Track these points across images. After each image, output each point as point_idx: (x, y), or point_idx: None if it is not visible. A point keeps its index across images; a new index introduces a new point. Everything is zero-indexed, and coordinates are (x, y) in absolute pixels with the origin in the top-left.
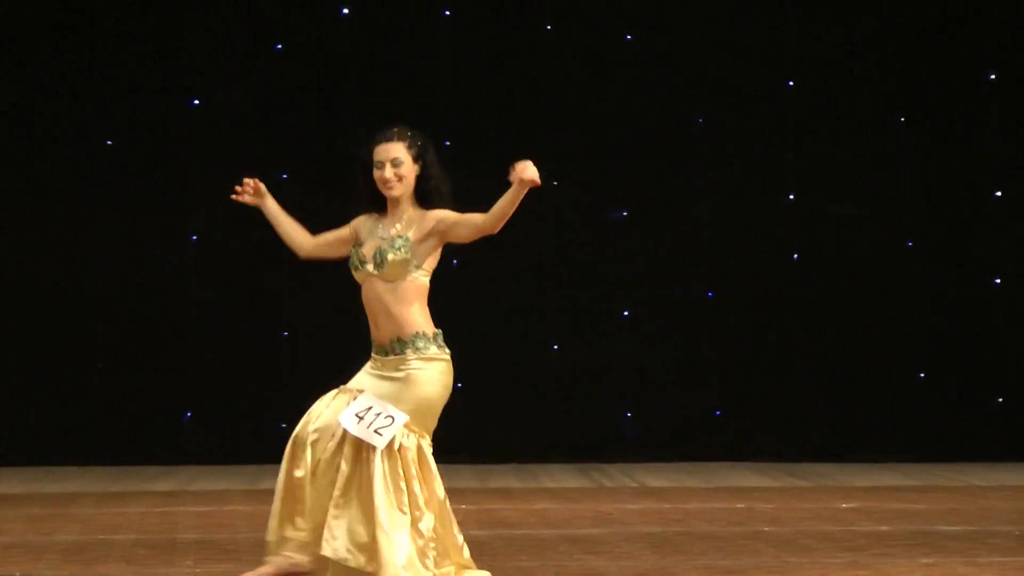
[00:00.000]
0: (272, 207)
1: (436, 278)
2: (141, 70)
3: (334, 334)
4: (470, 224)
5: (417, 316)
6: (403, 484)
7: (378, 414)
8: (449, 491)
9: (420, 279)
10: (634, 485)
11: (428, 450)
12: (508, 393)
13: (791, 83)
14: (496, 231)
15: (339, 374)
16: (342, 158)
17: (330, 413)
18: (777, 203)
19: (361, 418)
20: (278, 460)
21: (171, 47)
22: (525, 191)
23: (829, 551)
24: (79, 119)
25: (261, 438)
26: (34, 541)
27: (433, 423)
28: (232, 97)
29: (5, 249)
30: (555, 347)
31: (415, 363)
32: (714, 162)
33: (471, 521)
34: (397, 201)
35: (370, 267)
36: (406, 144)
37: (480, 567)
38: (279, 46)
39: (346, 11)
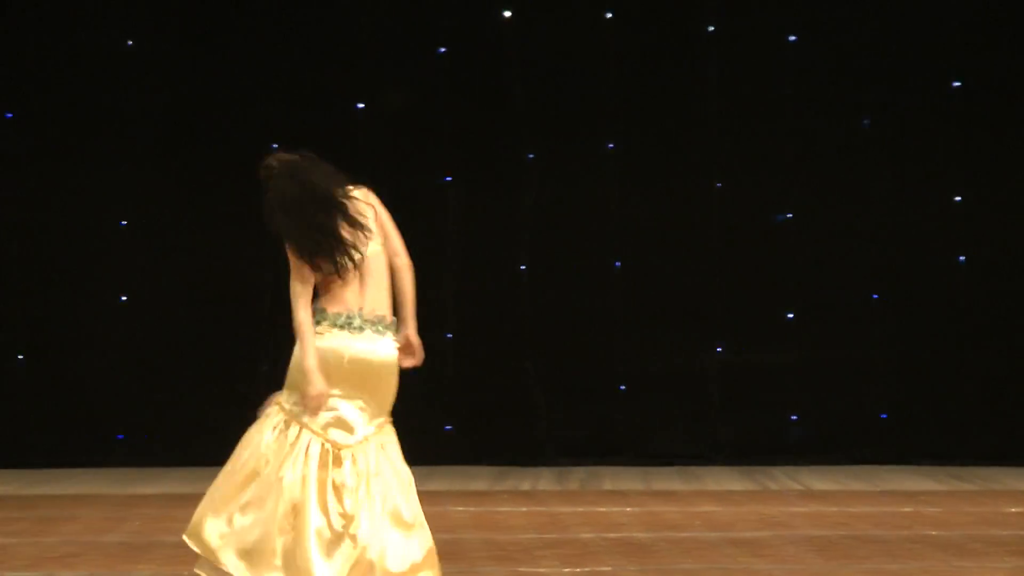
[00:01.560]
0: None
1: (600, 280)
2: (305, 74)
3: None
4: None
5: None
6: None
7: None
8: (613, 493)
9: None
10: (799, 488)
11: None
12: (673, 395)
13: (957, 83)
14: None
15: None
16: (505, 160)
17: None
18: (943, 204)
19: None
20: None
21: (335, 51)
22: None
23: (997, 555)
24: (244, 123)
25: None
26: None
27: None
28: (395, 100)
29: (176, 251)
30: (719, 350)
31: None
32: (880, 163)
33: (635, 523)
34: None
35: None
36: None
37: (644, 570)
38: (442, 49)
39: (508, 13)
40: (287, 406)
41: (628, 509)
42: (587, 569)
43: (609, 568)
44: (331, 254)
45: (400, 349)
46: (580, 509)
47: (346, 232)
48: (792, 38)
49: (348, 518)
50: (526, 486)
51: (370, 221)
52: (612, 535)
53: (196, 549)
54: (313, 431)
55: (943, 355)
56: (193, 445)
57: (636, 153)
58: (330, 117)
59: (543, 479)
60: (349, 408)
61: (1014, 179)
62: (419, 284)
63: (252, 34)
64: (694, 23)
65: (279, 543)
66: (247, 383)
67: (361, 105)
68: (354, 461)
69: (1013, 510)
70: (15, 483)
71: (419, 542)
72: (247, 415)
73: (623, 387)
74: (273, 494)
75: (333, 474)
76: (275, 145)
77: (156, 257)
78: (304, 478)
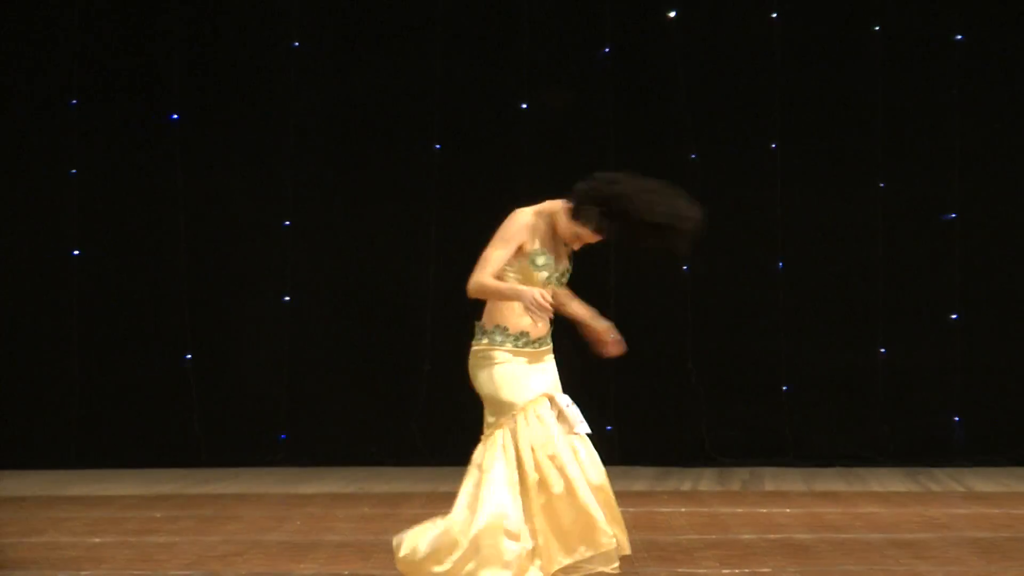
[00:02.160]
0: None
1: (763, 280)
2: (470, 74)
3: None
4: None
5: (498, 312)
6: None
7: (568, 404)
8: (775, 494)
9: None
10: (962, 490)
11: None
12: (835, 395)
13: None
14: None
15: None
16: (668, 161)
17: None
18: None
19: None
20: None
21: (499, 51)
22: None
23: None
24: (409, 124)
25: None
26: (365, 541)
27: None
28: (559, 101)
29: (339, 251)
30: (882, 350)
31: (473, 357)
32: None
33: (797, 524)
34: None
35: (562, 279)
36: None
37: (805, 571)
38: (607, 49)
39: (672, 13)
40: (491, 419)
41: (789, 510)
42: (747, 570)
43: (769, 569)
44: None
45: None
46: (741, 510)
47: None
48: (958, 37)
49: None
50: (687, 486)
51: None
52: (773, 536)
53: None
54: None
55: None
56: (355, 445)
57: (799, 153)
58: (495, 117)
59: (704, 479)
60: None
61: None
62: (583, 285)
63: (416, 34)
64: (859, 22)
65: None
66: (409, 383)
67: (525, 106)
68: None
69: None
70: (180, 482)
71: None
72: (409, 415)
73: (786, 387)
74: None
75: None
76: (438, 146)
77: (319, 257)
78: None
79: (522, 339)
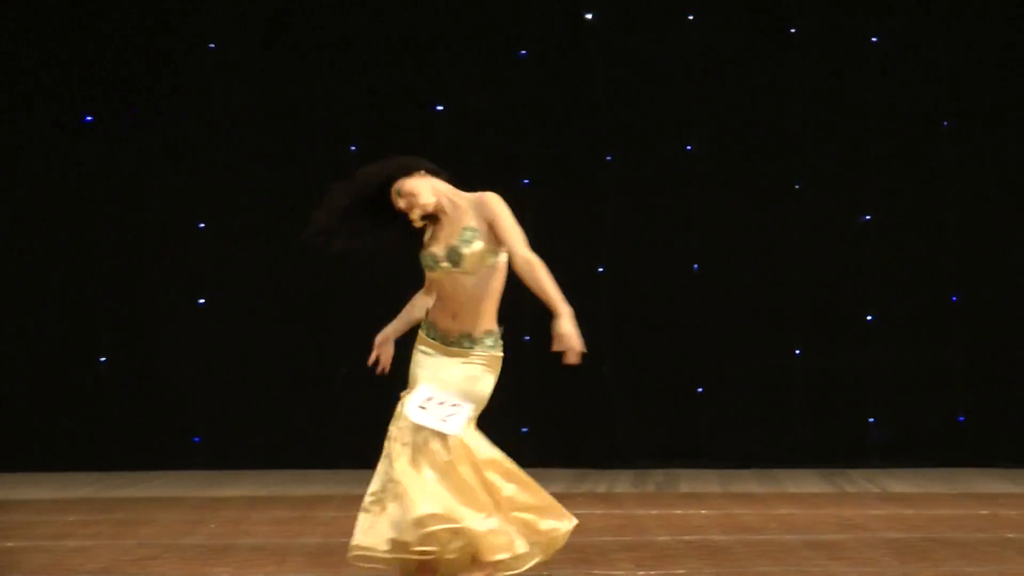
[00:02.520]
0: (398, 331)
1: (679, 282)
2: (386, 75)
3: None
4: (505, 241)
5: (491, 312)
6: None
7: (441, 403)
8: (690, 496)
9: (499, 260)
10: (877, 491)
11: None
12: (751, 397)
13: None
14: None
15: None
16: (584, 163)
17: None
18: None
19: (424, 408)
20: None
21: (416, 53)
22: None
23: None
24: (324, 126)
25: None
26: (280, 544)
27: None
28: (477, 103)
29: (254, 254)
30: (797, 351)
31: (479, 362)
32: (959, 165)
33: (712, 526)
34: (437, 210)
35: (446, 264)
36: (407, 175)
37: (721, 573)
38: (523, 52)
39: (589, 16)
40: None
41: (705, 512)
42: (663, 572)
43: (685, 571)
44: None
45: None
46: (657, 512)
47: None
48: (874, 39)
49: None
50: (602, 488)
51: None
52: (689, 538)
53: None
54: None
55: (1023, 356)
56: (271, 448)
57: (715, 155)
58: (410, 119)
59: (620, 481)
60: None
61: None
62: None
63: (332, 36)
64: (775, 25)
65: None
66: (325, 386)
67: (441, 108)
68: None
69: None
70: (94, 485)
71: None
72: (325, 418)
73: (701, 389)
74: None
75: None
76: (354, 148)
77: (235, 259)
78: None
79: (432, 329)
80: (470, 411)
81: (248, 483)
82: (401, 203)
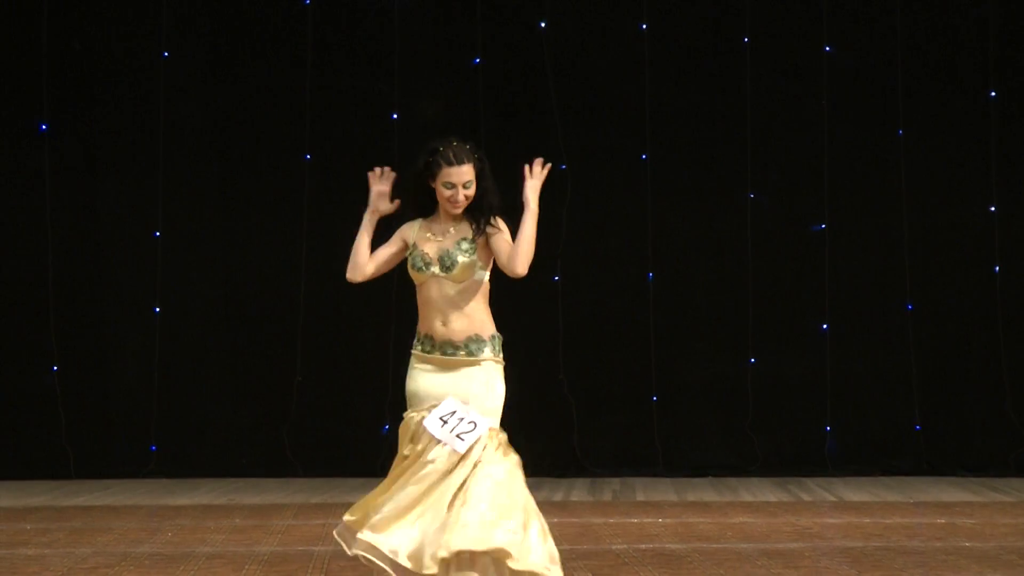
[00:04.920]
0: (379, 214)
1: (633, 291)
2: (340, 83)
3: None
4: (500, 251)
5: (488, 317)
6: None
7: (461, 419)
8: (646, 504)
9: (485, 278)
10: (833, 499)
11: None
12: (706, 406)
13: (993, 93)
14: (520, 272)
15: None
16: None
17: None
18: (978, 215)
19: (445, 422)
20: None
21: (370, 61)
22: (535, 212)
23: None
24: (279, 134)
25: None
26: (236, 552)
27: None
28: (430, 111)
29: (210, 262)
30: (752, 360)
31: (491, 364)
32: (914, 173)
33: (669, 534)
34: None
35: (436, 269)
36: (474, 165)
37: None
38: (476, 60)
39: (543, 25)
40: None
41: (661, 520)
42: None
43: None
44: None
45: None
46: (613, 520)
47: None
48: (827, 48)
49: None
50: (558, 497)
51: None
52: (645, 546)
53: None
54: None
55: (978, 366)
56: (226, 456)
57: (669, 164)
58: (365, 127)
59: (575, 490)
60: None
61: None
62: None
63: (286, 44)
64: (729, 33)
65: None
66: (280, 395)
67: (395, 116)
68: None
69: None
70: (50, 494)
71: None
72: (280, 427)
73: (656, 398)
74: None
75: None
76: (308, 156)
77: (189, 268)
78: None
79: (427, 343)
80: (485, 429)
81: (204, 491)
82: (457, 192)
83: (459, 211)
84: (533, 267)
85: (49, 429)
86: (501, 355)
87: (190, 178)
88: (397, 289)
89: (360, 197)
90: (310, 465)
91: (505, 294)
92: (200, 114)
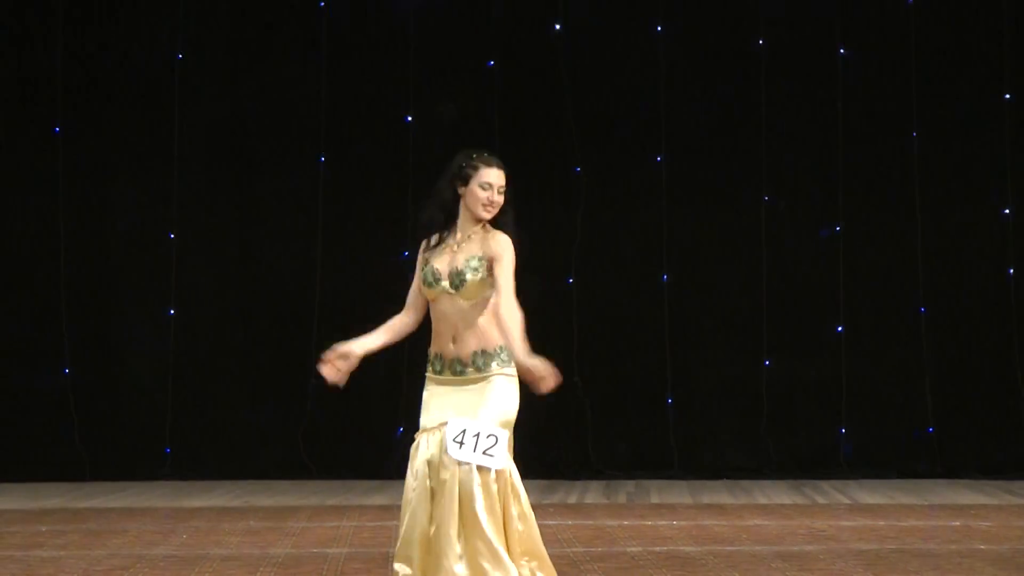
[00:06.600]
0: (368, 347)
1: (648, 293)
2: (355, 86)
3: None
4: (498, 282)
5: (496, 331)
6: (499, 508)
7: (476, 435)
8: (661, 507)
9: (491, 296)
10: (848, 502)
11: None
12: (721, 408)
13: (1008, 96)
14: (503, 315)
15: None
16: (555, 174)
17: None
18: (992, 217)
19: (461, 444)
20: None
21: (385, 63)
22: (524, 362)
23: None
24: (294, 136)
25: None
26: (251, 554)
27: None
28: (444, 113)
29: (225, 264)
30: (767, 362)
31: (501, 378)
32: (928, 176)
33: (683, 537)
34: (476, 220)
35: (446, 284)
36: (505, 175)
37: None
38: (491, 62)
39: (558, 27)
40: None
41: (676, 523)
42: None
43: None
44: None
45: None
46: (627, 522)
47: None
48: (842, 51)
49: None
50: (573, 499)
51: None
52: (659, 549)
53: None
54: None
55: (992, 368)
56: (241, 458)
57: (684, 166)
58: (380, 129)
59: (590, 492)
60: None
61: None
62: None
63: (301, 46)
64: (743, 37)
65: None
66: (295, 397)
67: (410, 118)
68: None
69: None
70: (65, 496)
71: None
72: (295, 429)
73: (670, 400)
74: None
75: None
76: (323, 158)
77: (204, 270)
78: None
79: (437, 362)
80: (507, 438)
81: (218, 494)
82: (494, 195)
83: (490, 215)
84: (548, 269)
85: (64, 432)
86: (511, 364)
87: (204, 180)
88: None
89: (374, 198)
90: (325, 467)
91: (519, 296)
92: (214, 116)
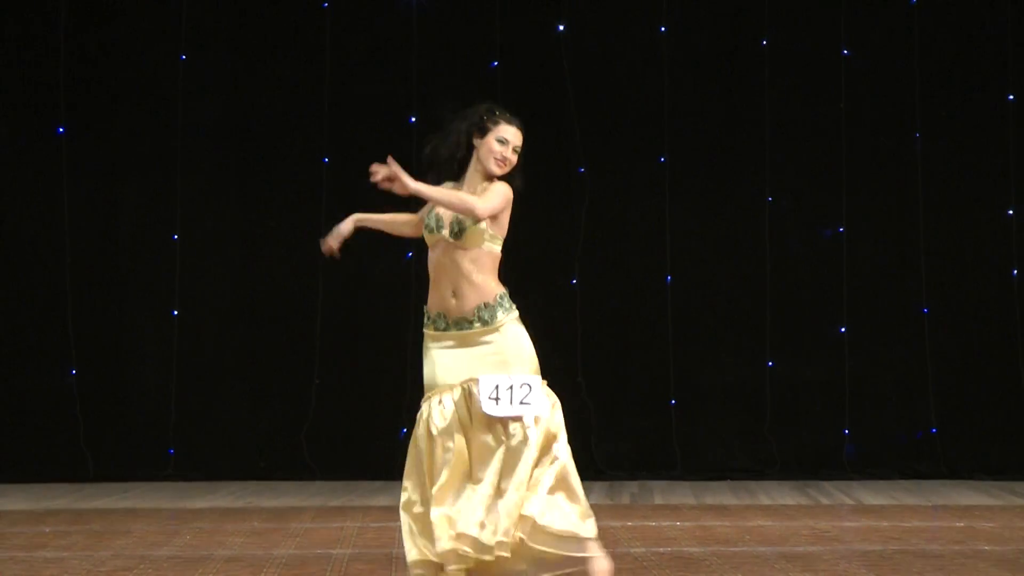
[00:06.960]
0: (365, 221)
1: (651, 294)
2: (358, 86)
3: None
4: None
5: (494, 278)
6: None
7: (510, 388)
8: (664, 507)
9: (494, 248)
10: (851, 503)
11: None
12: (724, 409)
13: (1011, 96)
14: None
15: None
16: (559, 174)
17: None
18: (995, 218)
19: (497, 400)
20: None
21: (388, 63)
22: (421, 188)
23: None
24: (297, 137)
25: None
26: (254, 555)
27: None
28: (449, 114)
29: (228, 265)
30: (770, 363)
31: (511, 325)
32: (931, 177)
33: (687, 537)
34: (486, 175)
35: (446, 232)
36: (522, 136)
37: None
38: (494, 63)
39: (561, 27)
40: None
41: (679, 523)
42: None
43: None
44: None
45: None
46: (631, 523)
47: None
48: (845, 51)
49: None
50: None
51: None
52: (663, 550)
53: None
54: None
55: (996, 369)
56: (245, 459)
57: (687, 166)
58: (383, 130)
59: (593, 493)
60: None
61: None
62: None
63: (304, 47)
64: (747, 37)
65: None
66: (299, 398)
67: (413, 119)
68: None
69: None
70: (68, 497)
71: None
72: (298, 429)
73: (674, 401)
74: None
75: None
76: (326, 159)
77: (208, 271)
78: None
79: (440, 320)
80: (539, 384)
81: (222, 494)
82: (508, 152)
83: (501, 171)
84: (551, 269)
85: (67, 432)
86: (513, 310)
87: (208, 181)
88: (416, 292)
89: (378, 200)
90: (328, 468)
91: (522, 296)
92: (218, 117)
